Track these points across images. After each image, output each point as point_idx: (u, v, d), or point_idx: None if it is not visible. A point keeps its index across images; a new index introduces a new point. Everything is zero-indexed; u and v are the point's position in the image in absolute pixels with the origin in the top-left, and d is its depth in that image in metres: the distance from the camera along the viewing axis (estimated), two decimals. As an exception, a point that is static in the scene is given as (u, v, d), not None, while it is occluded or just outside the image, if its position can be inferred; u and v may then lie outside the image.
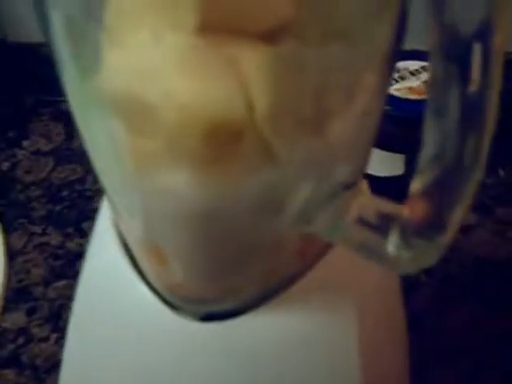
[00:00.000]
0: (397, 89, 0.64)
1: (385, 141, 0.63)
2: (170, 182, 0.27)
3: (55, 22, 0.26)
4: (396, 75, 0.65)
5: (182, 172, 0.26)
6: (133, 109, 0.25)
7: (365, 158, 0.32)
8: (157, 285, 0.34)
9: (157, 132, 0.25)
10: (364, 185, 0.35)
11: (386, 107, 0.61)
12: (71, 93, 0.29)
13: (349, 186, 0.30)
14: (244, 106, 0.24)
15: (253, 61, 0.24)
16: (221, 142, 0.25)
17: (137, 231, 0.31)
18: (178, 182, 0.26)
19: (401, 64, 0.66)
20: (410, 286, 0.61)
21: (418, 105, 0.58)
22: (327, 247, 0.34)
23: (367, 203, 0.30)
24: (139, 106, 0.25)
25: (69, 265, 0.65)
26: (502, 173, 0.72)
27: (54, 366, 0.55)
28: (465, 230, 0.66)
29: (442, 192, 0.25)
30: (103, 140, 0.28)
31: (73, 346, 0.38)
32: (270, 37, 0.24)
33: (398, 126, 0.59)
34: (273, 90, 0.24)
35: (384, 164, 0.65)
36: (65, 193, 0.74)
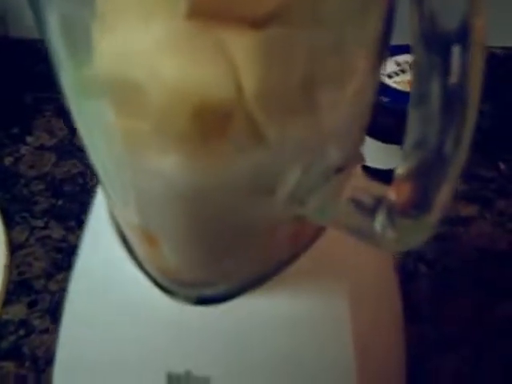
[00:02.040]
0: (397, 81, 0.64)
1: (384, 133, 0.63)
2: (159, 164, 0.27)
3: (50, 16, 0.26)
4: (396, 68, 0.66)
5: (171, 154, 0.26)
6: (122, 91, 0.26)
7: (357, 142, 0.32)
8: (151, 269, 0.34)
9: (146, 114, 0.25)
10: (358, 168, 0.35)
11: (386, 99, 0.62)
12: (65, 82, 0.29)
13: (340, 170, 0.30)
14: (232, 87, 0.24)
15: (241, 43, 0.24)
16: (209, 123, 0.25)
17: (130, 215, 0.31)
18: (168, 164, 0.27)
19: (401, 57, 0.67)
20: (410, 276, 0.61)
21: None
22: (320, 231, 0.34)
23: (360, 186, 0.30)
24: (128, 88, 0.25)
25: (70, 258, 0.65)
26: (502, 166, 0.72)
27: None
28: (465, 221, 0.67)
29: (425, 175, 0.25)
30: (96, 125, 0.29)
31: (68, 331, 0.38)
32: (259, 22, 0.24)
33: (397, 118, 0.58)
34: (261, 71, 0.24)
35: (383, 156, 0.65)
36: (67, 187, 0.74)
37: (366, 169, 0.67)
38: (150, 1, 0.24)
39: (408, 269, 0.62)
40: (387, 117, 0.61)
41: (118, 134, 0.27)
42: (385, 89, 0.64)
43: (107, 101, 0.27)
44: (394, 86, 0.64)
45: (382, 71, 0.31)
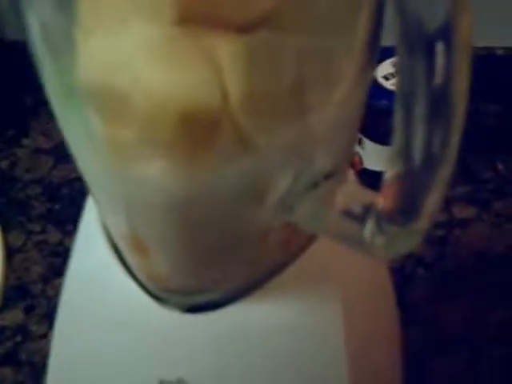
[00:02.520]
0: (394, 83, 0.64)
1: (382, 135, 0.63)
2: (146, 172, 0.26)
3: (31, 21, 0.26)
4: (393, 70, 0.65)
5: (157, 161, 0.26)
6: (107, 98, 0.25)
7: (347, 148, 0.32)
8: (142, 278, 0.34)
9: (131, 122, 0.25)
10: (351, 175, 0.35)
11: (384, 102, 0.61)
12: (50, 89, 0.29)
13: (330, 176, 0.29)
14: (218, 94, 0.24)
15: (227, 49, 0.24)
16: (196, 130, 0.25)
17: (119, 223, 0.31)
18: (154, 172, 0.26)
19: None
20: (407, 279, 0.61)
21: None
22: (312, 238, 0.34)
23: (351, 193, 0.30)
24: (113, 95, 0.25)
25: (67, 262, 0.65)
26: (500, 166, 0.71)
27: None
28: (463, 223, 0.66)
29: (412, 181, 0.25)
30: (82, 133, 0.28)
31: (60, 340, 0.38)
32: (247, 27, 0.24)
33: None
34: (248, 78, 0.24)
35: (381, 158, 0.64)
36: (64, 191, 0.74)
37: (365, 171, 0.67)
38: (128, 5, 0.23)
39: (406, 272, 0.62)
40: (385, 119, 0.61)
41: (103, 142, 0.27)
42: (382, 91, 0.63)
43: (92, 108, 0.26)
44: (391, 87, 0.64)
45: (371, 73, 0.31)
